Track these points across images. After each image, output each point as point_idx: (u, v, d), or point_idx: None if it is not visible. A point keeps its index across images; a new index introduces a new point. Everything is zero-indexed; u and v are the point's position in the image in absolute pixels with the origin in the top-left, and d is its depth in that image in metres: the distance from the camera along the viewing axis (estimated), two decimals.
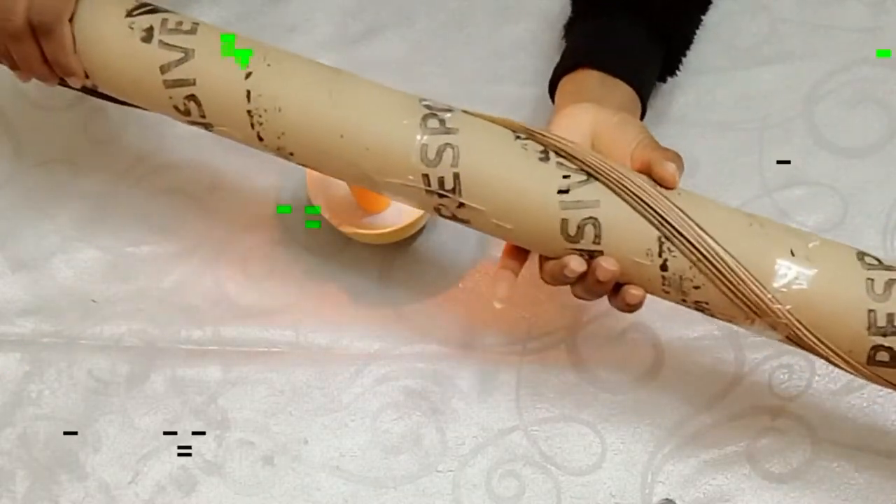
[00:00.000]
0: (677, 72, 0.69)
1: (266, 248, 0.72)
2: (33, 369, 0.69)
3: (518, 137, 0.55)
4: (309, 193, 0.68)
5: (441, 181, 0.53)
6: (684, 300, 0.54)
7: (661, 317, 0.67)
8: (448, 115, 0.54)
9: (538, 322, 0.68)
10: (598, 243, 0.52)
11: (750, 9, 0.77)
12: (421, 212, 0.67)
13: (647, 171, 0.54)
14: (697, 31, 0.71)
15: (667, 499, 0.63)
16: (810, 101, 0.73)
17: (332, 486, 0.65)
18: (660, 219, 0.52)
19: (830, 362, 0.52)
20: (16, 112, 0.78)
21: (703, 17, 0.72)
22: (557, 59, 0.69)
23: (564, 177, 0.53)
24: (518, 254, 0.57)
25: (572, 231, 0.52)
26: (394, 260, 0.71)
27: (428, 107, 0.55)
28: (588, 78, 0.63)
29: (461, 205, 0.54)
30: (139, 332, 0.69)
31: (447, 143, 0.53)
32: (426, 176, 0.53)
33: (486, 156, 0.53)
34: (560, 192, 0.52)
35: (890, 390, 0.64)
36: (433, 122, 0.54)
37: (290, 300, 0.70)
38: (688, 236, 0.51)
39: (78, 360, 0.69)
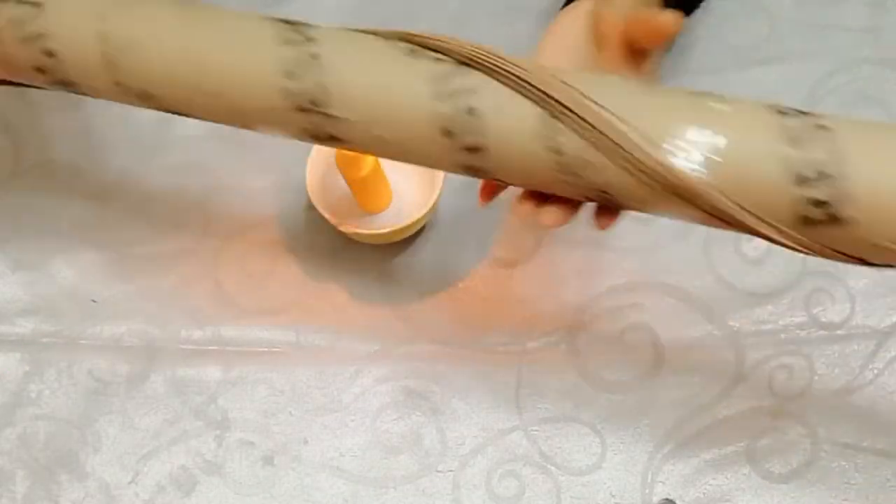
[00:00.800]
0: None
1: (266, 248, 0.72)
2: (33, 369, 0.69)
3: (384, 39, 0.52)
4: (309, 193, 0.68)
5: (306, 95, 0.49)
6: (587, 194, 0.48)
7: (661, 317, 0.67)
8: (310, 29, 0.52)
9: (538, 322, 0.68)
10: (483, 135, 0.47)
11: (750, 9, 0.77)
12: (421, 212, 0.67)
13: (643, 30, 0.54)
14: (699, 30, 0.71)
15: (667, 499, 0.63)
16: (810, 101, 0.73)
17: (332, 486, 0.65)
18: (544, 95, 0.46)
19: (761, 234, 0.46)
20: (16, 112, 0.78)
21: None
22: None
23: (437, 69, 0.48)
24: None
25: (451, 126, 0.47)
26: (394, 260, 0.71)
27: (287, 22, 0.51)
28: None
29: (330, 117, 0.49)
30: (139, 332, 0.69)
31: (310, 54, 0.50)
32: (289, 91, 0.49)
33: (353, 61, 0.50)
34: (433, 82, 0.47)
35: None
36: (295, 35, 0.50)
37: (290, 300, 0.70)
38: (579, 112, 0.45)
39: (78, 360, 0.69)
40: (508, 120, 0.47)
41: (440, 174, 0.67)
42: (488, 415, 0.66)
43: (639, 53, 0.57)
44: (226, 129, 0.76)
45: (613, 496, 0.63)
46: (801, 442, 0.63)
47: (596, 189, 0.47)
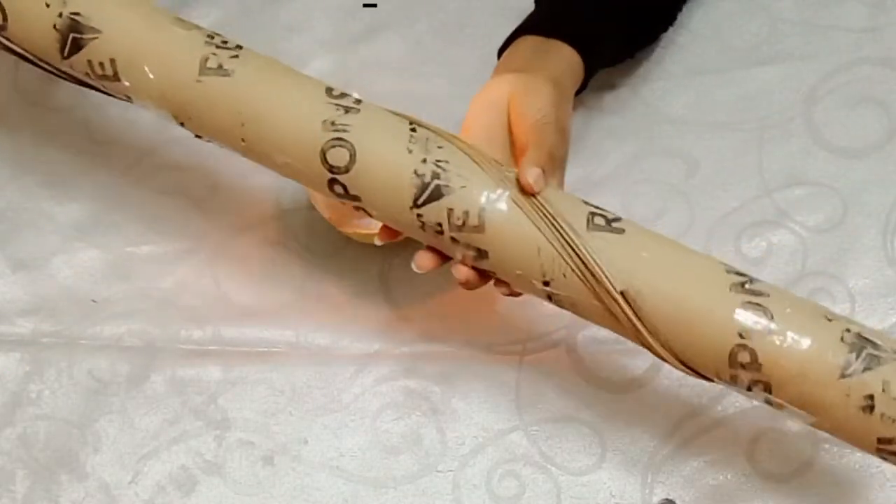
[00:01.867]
0: (663, 35, 0.68)
1: (266, 248, 0.72)
2: (33, 369, 0.69)
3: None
4: (309, 193, 0.68)
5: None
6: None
7: None
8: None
9: (538, 322, 0.68)
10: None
11: (750, 9, 0.77)
12: None
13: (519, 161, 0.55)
14: (699, 30, 0.71)
15: (667, 499, 0.63)
16: (810, 101, 0.73)
17: (332, 486, 0.65)
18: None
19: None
20: (16, 112, 0.78)
21: None
22: None
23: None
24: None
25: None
26: (394, 260, 0.71)
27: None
28: (523, 44, 0.63)
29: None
30: (139, 332, 0.69)
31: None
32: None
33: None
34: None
35: None
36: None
37: (290, 300, 0.70)
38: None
39: (78, 360, 0.69)
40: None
41: None
42: (488, 415, 0.66)
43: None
44: None
45: (613, 496, 0.63)
46: (800, 442, 0.63)
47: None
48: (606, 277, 0.50)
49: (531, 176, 0.52)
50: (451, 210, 0.52)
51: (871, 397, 0.47)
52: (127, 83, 0.57)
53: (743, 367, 0.49)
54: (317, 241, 0.71)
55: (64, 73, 0.60)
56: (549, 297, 0.53)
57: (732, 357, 0.49)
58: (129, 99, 0.58)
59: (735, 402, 0.65)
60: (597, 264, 0.50)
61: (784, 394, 0.49)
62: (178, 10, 0.59)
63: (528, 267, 0.52)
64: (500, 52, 0.65)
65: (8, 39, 0.60)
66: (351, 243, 0.71)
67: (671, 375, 0.66)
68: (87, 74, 0.58)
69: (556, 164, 0.57)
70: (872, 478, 0.62)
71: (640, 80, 0.75)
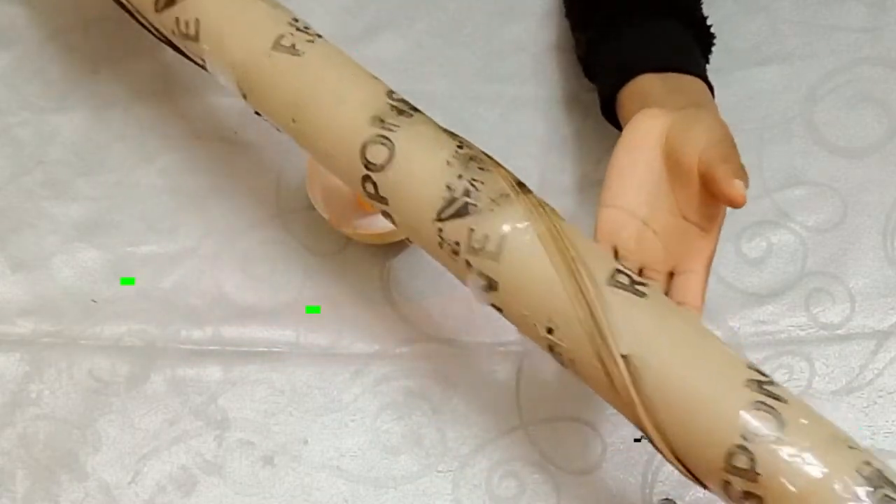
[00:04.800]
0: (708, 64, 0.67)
1: (266, 248, 0.72)
2: (33, 369, 0.69)
3: (439, 220, 0.53)
4: (309, 194, 0.68)
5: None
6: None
7: None
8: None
9: None
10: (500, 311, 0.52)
11: (750, 9, 0.77)
12: None
13: (711, 182, 0.52)
14: None
15: (667, 499, 0.63)
16: (810, 101, 0.73)
17: (332, 486, 0.65)
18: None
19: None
20: (15, 112, 0.78)
21: None
22: (557, 59, 0.69)
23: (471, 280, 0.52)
24: None
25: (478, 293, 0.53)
26: (394, 260, 0.71)
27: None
28: (648, 83, 0.59)
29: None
30: (139, 332, 0.69)
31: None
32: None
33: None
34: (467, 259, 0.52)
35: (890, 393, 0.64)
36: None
37: (290, 300, 0.70)
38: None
39: (78, 360, 0.69)
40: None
41: None
42: (488, 415, 0.66)
43: (713, 198, 0.54)
44: (226, 130, 0.77)
45: (613, 496, 0.63)
46: None
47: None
48: (612, 336, 0.46)
49: (737, 186, 0.50)
50: (472, 230, 0.50)
51: None
52: (205, 46, 0.57)
53: (738, 473, 0.43)
54: (317, 241, 0.71)
55: (154, 28, 0.61)
56: (551, 348, 0.50)
57: (728, 458, 0.44)
58: (203, 65, 0.59)
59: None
60: (605, 319, 0.47)
61: None
62: None
63: (536, 309, 0.49)
64: (608, 101, 0.62)
65: None
66: (351, 243, 0.71)
67: None
68: (172, 32, 0.59)
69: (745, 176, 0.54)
70: None
71: None
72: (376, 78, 0.56)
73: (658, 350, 0.46)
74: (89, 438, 0.67)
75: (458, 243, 0.51)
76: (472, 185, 0.51)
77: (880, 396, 0.64)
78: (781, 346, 0.66)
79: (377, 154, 0.52)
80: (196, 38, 0.58)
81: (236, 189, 0.74)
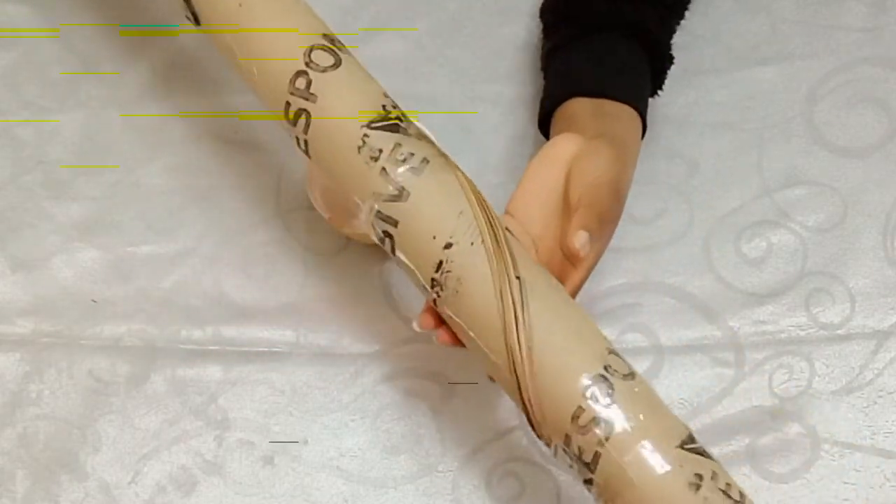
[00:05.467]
0: (661, 90, 0.68)
1: (266, 248, 0.72)
2: (33, 369, 0.69)
3: (367, 126, 0.55)
4: (309, 194, 0.68)
5: (297, 140, 0.56)
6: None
7: (661, 317, 0.67)
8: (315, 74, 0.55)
9: None
10: (394, 255, 0.54)
11: (750, 9, 0.77)
12: None
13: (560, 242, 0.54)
14: (699, 30, 0.71)
15: None
16: (810, 101, 0.73)
17: (332, 486, 0.65)
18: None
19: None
20: (15, 112, 0.78)
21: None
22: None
23: (380, 186, 0.53)
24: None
25: (377, 238, 0.55)
26: (394, 260, 0.71)
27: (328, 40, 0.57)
28: (578, 106, 0.61)
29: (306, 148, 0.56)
30: (139, 332, 0.69)
31: (303, 110, 0.55)
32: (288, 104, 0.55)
33: (327, 144, 0.55)
34: (372, 200, 0.54)
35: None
36: (301, 82, 0.55)
37: (290, 300, 0.70)
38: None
39: (78, 360, 0.69)
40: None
41: None
42: (488, 415, 0.66)
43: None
44: (226, 129, 0.77)
45: None
46: (801, 442, 0.63)
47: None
48: (511, 259, 0.50)
49: (578, 240, 0.52)
50: (399, 145, 0.53)
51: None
52: None
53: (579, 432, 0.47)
54: (317, 241, 0.71)
55: None
56: (439, 265, 0.52)
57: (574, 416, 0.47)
58: None
59: (735, 402, 0.65)
60: (507, 244, 0.51)
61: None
62: (179, 11, 0.59)
63: (440, 225, 0.52)
64: (545, 115, 0.64)
65: None
66: (351, 243, 0.71)
67: (670, 376, 0.66)
68: None
69: (605, 229, 0.56)
70: (872, 478, 0.62)
71: None
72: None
73: (544, 282, 0.50)
74: (89, 438, 0.67)
75: (380, 150, 0.53)
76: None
77: (880, 396, 0.64)
78: (781, 346, 0.66)
79: (321, 58, 0.54)
80: None
81: (236, 189, 0.74)
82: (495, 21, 0.78)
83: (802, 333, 0.66)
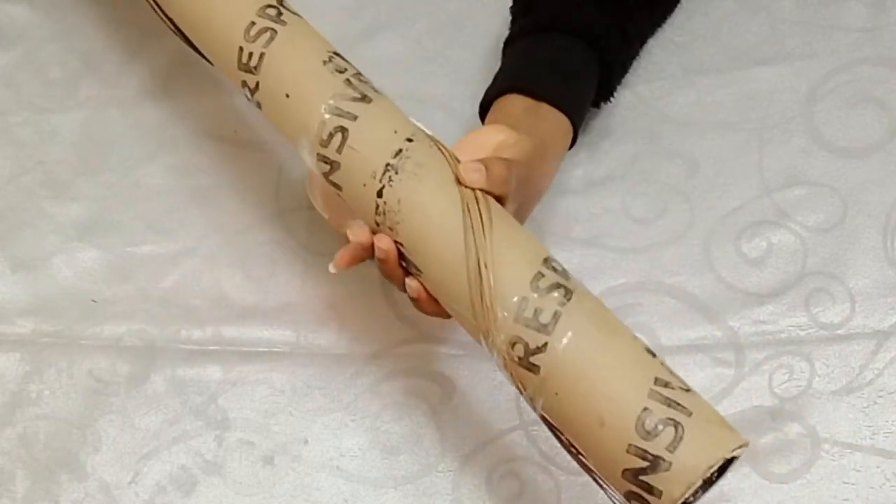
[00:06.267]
0: (612, 98, 0.68)
1: (266, 248, 0.72)
2: (33, 369, 0.69)
3: (334, 53, 0.57)
4: (309, 194, 0.68)
5: (249, 56, 0.57)
6: (397, 244, 0.53)
7: (661, 317, 0.67)
8: (288, 13, 0.58)
9: None
10: (339, 153, 0.54)
11: (750, 9, 0.77)
12: None
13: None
14: (699, 30, 0.71)
15: None
16: (810, 101, 0.73)
17: (332, 486, 0.65)
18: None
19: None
20: (15, 112, 0.78)
21: (640, 48, 0.71)
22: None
23: (343, 90, 0.54)
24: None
25: (324, 135, 0.54)
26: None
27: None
28: (515, 103, 0.62)
29: (256, 86, 0.57)
30: (139, 332, 0.69)
31: (270, 28, 0.57)
32: (241, 49, 0.57)
33: (293, 49, 0.56)
34: (330, 98, 0.54)
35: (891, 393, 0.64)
36: (271, 11, 0.58)
37: (290, 300, 0.70)
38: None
39: (78, 360, 0.69)
40: (361, 155, 0.53)
41: None
42: (488, 415, 0.66)
43: None
44: (226, 129, 0.77)
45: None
46: (801, 442, 0.63)
47: (399, 242, 0.53)
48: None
49: (472, 169, 0.51)
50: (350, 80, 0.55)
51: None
52: None
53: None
54: (317, 241, 0.71)
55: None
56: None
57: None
58: None
59: (735, 402, 0.65)
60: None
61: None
62: None
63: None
64: (485, 103, 0.64)
65: None
66: None
67: None
68: None
69: (504, 197, 0.54)
70: (872, 478, 0.62)
71: (640, 80, 0.75)
72: None
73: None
74: (89, 438, 0.67)
75: (346, 69, 0.55)
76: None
77: (880, 396, 0.64)
78: (781, 346, 0.66)
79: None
80: None
81: (236, 189, 0.74)
82: (495, 21, 0.78)
83: (802, 333, 0.66)
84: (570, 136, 0.63)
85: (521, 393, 0.50)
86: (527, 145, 0.58)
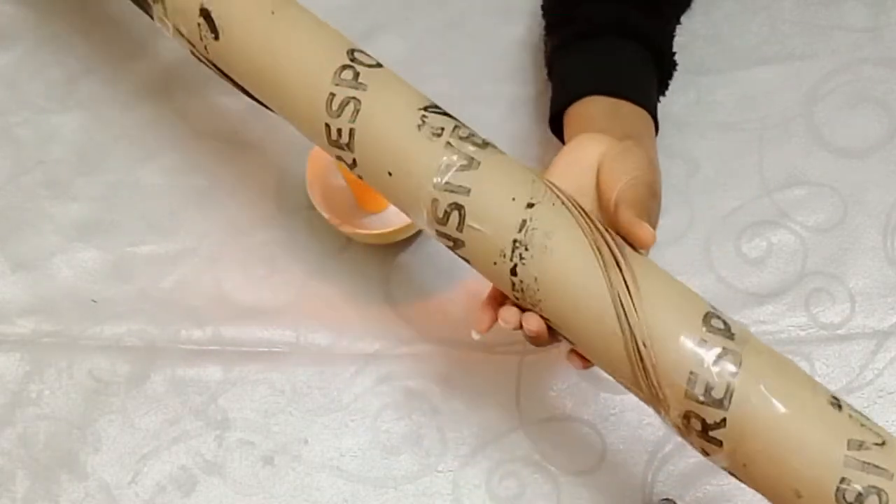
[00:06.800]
0: (666, 92, 0.68)
1: (266, 248, 0.72)
2: (33, 369, 0.69)
3: (423, 109, 0.53)
4: (309, 194, 0.68)
5: (339, 133, 0.53)
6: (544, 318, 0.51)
7: None
8: (364, 69, 0.53)
9: None
10: (461, 231, 0.50)
11: (750, 9, 0.77)
12: None
13: (618, 225, 0.52)
14: (699, 30, 0.71)
15: (667, 499, 0.63)
16: (810, 101, 0.73)
17: (332, 486, 0.65)
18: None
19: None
20: (15, 112, 0.78)
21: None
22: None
23: (448, 159, 0.50)
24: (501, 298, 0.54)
25: (440, 213, 0.50)
26: (394, 260, 0.71)
27: (351, 54, 0.54)
28: (595, 106, 0.60)
29: (354, 162, 0.53)
30: (139, 332, 0.69)
31: (352, 98, 0.52)
32: (328, 126, 0.53)
33: (382, 118, 0.52)
34: (437, 175, 0.50)
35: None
36: (347, 74, 0.53)
37: (290, 300, 0.70)
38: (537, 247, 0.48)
39: (78, 360, 0.69)
40: (485, 231, 0.49)
41: None
42: (488, 415, 0.66)
43: None
44: (226, 129, 0.77)
45: (613, 496, 0.63)
46: None
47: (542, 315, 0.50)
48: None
49: (644, 229, 0.50)
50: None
51: None
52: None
53: None
54: (317, 241, 0.71)
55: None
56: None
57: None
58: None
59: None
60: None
61: None
62: None
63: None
64: (557, 112, 0.63)
65: None
66: (351, 243, 0.71)
67: None
68: None
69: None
70: None
71: None
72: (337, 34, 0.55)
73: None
74: (89, 438, 0.67)
75: (442, 128, 0.51)
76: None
77: (880, 396, 0.64)
78: (781, 346, 0.66)
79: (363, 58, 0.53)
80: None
81: (236, 189, 0.74)
82: (495, 21, 0.78)
83: (802, 333, 0.66)
84: (654, 129, 0.62)
85: (706, 457, 0.48)
86: (638, 153, 0.55)
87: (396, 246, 0.71)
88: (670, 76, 0.67)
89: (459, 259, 0.70)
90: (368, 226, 0.69)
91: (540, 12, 0.70)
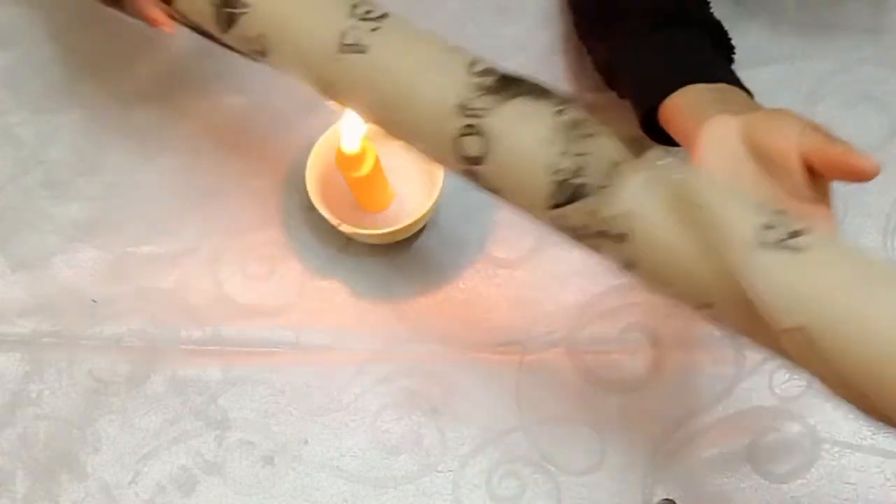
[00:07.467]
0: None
1: (266, 248, 0.72)
2: (33, 369, 0.69)
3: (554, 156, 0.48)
4: (310, 194, 0.68)
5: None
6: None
7: (661, 317, 0.67)
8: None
9: (538, 322, 0.68)
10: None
11: (750, 9, 0.77)
12: (421, 212, 0.67)
13: (831, 164, 0.50)
14: None
15: (667, 499, 0.63)
16: (810, 101, 0.73)
17: (332, 486, 0.65)
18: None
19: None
20: (15, 112, 0.78)
21: None
22: (557, 59, 0.68)
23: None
24: None
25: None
26: (394, 260, 0.71)
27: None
28: (695, 94, 0.58)
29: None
30: (139, 332, 0.69)
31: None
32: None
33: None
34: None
35: None
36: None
37: (290, 300, 0.70)
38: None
39: (78, 360, 0.69)
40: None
41: (440, 174, 0.67)
42: (488, 415, 0.66)
43: (818, 177, 0.53)
44: (226, 130, 0.77)
45: (613, 496, 0.63)
46: (801, 442, 0.63)
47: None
48: (771, 309, 0.42)
49: (864, 155, 0.48)
50: (593, 212, 0.45)
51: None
52: (276, 58, 0.54)
53: None
54: (317, 241, 0.71)
55: (231, 47, 0.57)
56: (713, 318, 0.46)
57: None
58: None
59: (735, 402, 0.65)
60: (758, 292, 0.42)
61: None
62: None
63: (683, 287, 0.45)
64: (653, 107, 0.60)
65: (182, 15, 0.57)
66: (351, 243, 0.71)
67: (671, 376, 0.66)
68: (245, 50, 0.56)
69: None
70: (872, 478, 0.62)
71: None
72: (452, 52, 0.52)
73: (826, 314, 0.42)
74: (89, 438, 0.67)
75: (584, 226, 0.46)
76: (580, 159, 0.45)
77: None
78: None
79: (471, 146, 0.48)
80: (264, 54, 0.54)
81: (237, 189, 0.74)
82: (495, 21, 0.78)
83: None
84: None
85: None
86: (781, 110, 0.54)
87: (396, 245, 0.71)
88: (732, 52, 0.66)
89: (459, 259, 0.71)
90: (368, 225, 0.69)
91: (540, 13, 0.70)
